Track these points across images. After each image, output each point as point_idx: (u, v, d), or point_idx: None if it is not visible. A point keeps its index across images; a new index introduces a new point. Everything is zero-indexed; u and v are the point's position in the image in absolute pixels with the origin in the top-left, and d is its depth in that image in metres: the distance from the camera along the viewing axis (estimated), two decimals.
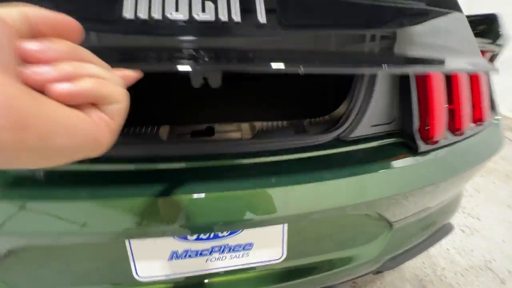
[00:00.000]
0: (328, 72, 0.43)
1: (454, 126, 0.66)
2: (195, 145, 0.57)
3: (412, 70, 0.56)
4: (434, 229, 0.81)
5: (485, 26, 0.71)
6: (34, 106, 0.16)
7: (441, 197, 0.71)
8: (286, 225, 0.57)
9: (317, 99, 1.20)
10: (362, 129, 0.63)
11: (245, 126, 0.63)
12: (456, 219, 1.53)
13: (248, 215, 0.51)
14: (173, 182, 0.51)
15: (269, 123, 0.63)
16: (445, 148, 0.64)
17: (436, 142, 0.62)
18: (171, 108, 1.07)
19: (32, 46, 0.17)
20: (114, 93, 0.21)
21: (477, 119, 0.72)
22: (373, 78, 0.63)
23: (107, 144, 0.22)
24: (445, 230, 0.85)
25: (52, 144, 0.17)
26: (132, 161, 0.53)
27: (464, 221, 1.52)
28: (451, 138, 0.66)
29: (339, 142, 0.62)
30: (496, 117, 0.77)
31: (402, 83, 0.65)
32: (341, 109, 0.66)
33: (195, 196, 0.49)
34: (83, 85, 0.19)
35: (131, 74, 0.25)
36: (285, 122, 0.64)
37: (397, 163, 0.59)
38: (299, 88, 1.38)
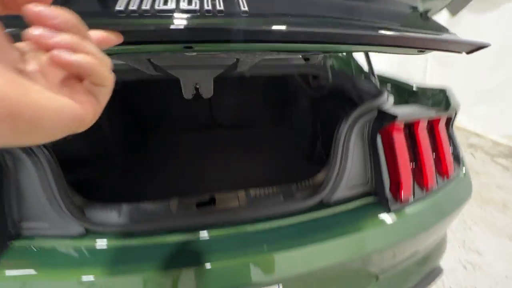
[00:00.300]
0: (310, 32, 0.43)
1: (422, 184, 0.77)
2: (201, 216, 0.68)
3: (411, 35, 0.50)
4: (423, 275, 0.87)
5: (438, 98, 0.85)
6: (23, 95, 0.17)
7: (421, 247, 0.79)
8: (281, 285, 0.65)
9: (302, 163, 1.36)
10: (342, 192, 0.73)
11: (241, 194, 0.74)
12: (457, 254, 1.56)
13: (247, 279, 0.60)
14: (184, 252, 0.61)
15: (261, 190, 0.75)
16: (415, 205, 0.74)
17: (406, 200, 0.72)
18: (178, 181, 1.21)
19: (46, 11, 0.19)
20: (105, 75, 0.22)
21: (444, 174, 0.82)
22: (347, 143, 0.75)
23: (90, 123, 0.23)
24: (434, 274, 0.91)
25: (42, 128, 0.18)
26: (148, 235, 0.64)
27: (465, 256, 1.55)
28: (420, 194, 0.76)
29: (323, 205, 0.72)
30: (463, 170, 0.88)
31: (372, 147, 0.77)
32: (322, 174, 0.77)
33: (202, 264, 0.59)
34: (83, 59, 0.20)
35: (111, 37, 0.25)
36: (275, 188, 0.75)
37: (374, 223, 0.69)
38: (286, 153, 1.55)
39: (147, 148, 1.70)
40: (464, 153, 2.83)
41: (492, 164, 2.56)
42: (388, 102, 0.82)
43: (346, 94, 1.13)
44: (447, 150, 0.84)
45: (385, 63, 4.46)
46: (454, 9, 0.77)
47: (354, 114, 0.77)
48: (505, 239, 1.67)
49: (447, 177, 0.82)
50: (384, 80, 1.07)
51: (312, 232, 0.66)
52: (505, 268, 1.47)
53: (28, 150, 0.60)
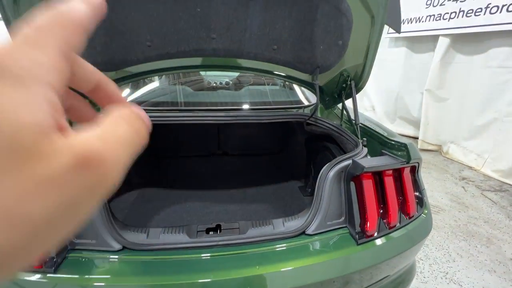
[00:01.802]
0: None
1: (387, 221, 0.96)
2: (209, 239, 0.88)
3: None
4: None
5: (403, 150, 1.05)
6: None
7: (387, 273, 0.97)
8: None
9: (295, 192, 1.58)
10: (321, 226, 0.93)
11: (242, 224, 0.94)
12: (438, 285, 1.68)
13: None
14: (196, 266, 0.80)
15: (257, 222, 0.95)
16: (380, 239, 0.92)
17: (371, 235, 0.91)
18: (187, 204, 1.44)
19: None
20: None
21: (407, 213, 1.01)
22: (327, 187, 0.95)
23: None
24: None
25: None
26: (168, 253, 0.83)
27: (446, 287, 1.67)
28: (385, 230, 0.95)
29: (304, 235, 0.92)
30: (424, 211, 1.06)
31: (347, 190, 0.97)
32: (306, 211, 0.97)
33: (209, 276, 0.78)
34: None
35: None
36: (267, 221, 0.95)
37: (344, 252, 0.88)
38: (282, 181, 1.77)
39: (159, 172, 1.93)
40: (456, 185, 2.95)
41: (481, 198, 2.69)
42: (362, 153, 1.03)
43: (333, 140, 1.34)
44: (411, 193, 1.04)
45: (384, 97, 4.72)
46: (395, 26, 1.03)
47: (333, 163, 0.98)
48: (486, 272, 1.79)
49: (409, 217, 1.01)
50: (366, 131, 1.29)
51: (294, 258, 0.85)
52: None
53: None
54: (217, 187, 1.72)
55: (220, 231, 0.92)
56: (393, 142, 1.11)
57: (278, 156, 2.16)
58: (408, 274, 1.10)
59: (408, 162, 1.01)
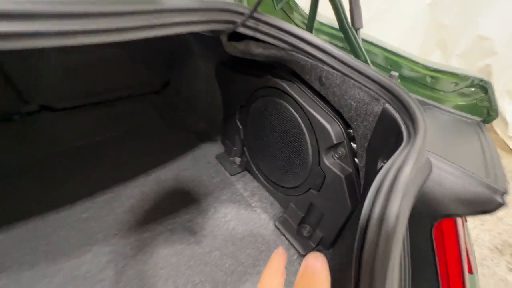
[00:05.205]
0: None
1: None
2: None
3: None
4: None
5: (476, 102, 0.57)
6: None
7: None
8: None
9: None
10: None
11: None
12: None
13: None
14: None
15: None
16: None
17: None
18: None
19: None
20: None
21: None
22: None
23: None
24: None
25: None
26: None
27: None
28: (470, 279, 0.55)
29: None
30: None
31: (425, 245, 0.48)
32: None
33: None
34: None
35: None
36: None
37: None
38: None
39: None
40: None
41: None
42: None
43: (292, 71, 0.60)
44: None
45: None
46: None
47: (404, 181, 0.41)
48: None
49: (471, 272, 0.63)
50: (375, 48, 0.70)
51: None
52: None
53: None
54: (59, 192, 0.77)
55: None
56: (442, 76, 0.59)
57: (161, 99, 1.14)
58: None
59: (485, 121, 0.56)
